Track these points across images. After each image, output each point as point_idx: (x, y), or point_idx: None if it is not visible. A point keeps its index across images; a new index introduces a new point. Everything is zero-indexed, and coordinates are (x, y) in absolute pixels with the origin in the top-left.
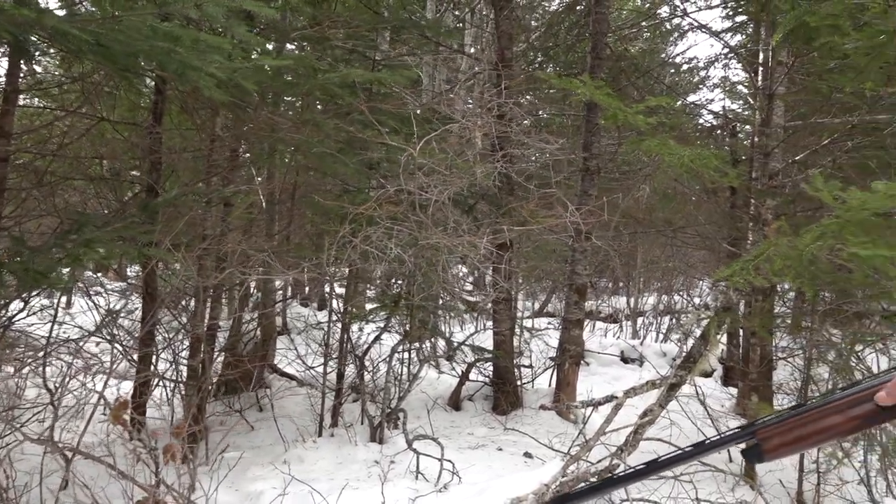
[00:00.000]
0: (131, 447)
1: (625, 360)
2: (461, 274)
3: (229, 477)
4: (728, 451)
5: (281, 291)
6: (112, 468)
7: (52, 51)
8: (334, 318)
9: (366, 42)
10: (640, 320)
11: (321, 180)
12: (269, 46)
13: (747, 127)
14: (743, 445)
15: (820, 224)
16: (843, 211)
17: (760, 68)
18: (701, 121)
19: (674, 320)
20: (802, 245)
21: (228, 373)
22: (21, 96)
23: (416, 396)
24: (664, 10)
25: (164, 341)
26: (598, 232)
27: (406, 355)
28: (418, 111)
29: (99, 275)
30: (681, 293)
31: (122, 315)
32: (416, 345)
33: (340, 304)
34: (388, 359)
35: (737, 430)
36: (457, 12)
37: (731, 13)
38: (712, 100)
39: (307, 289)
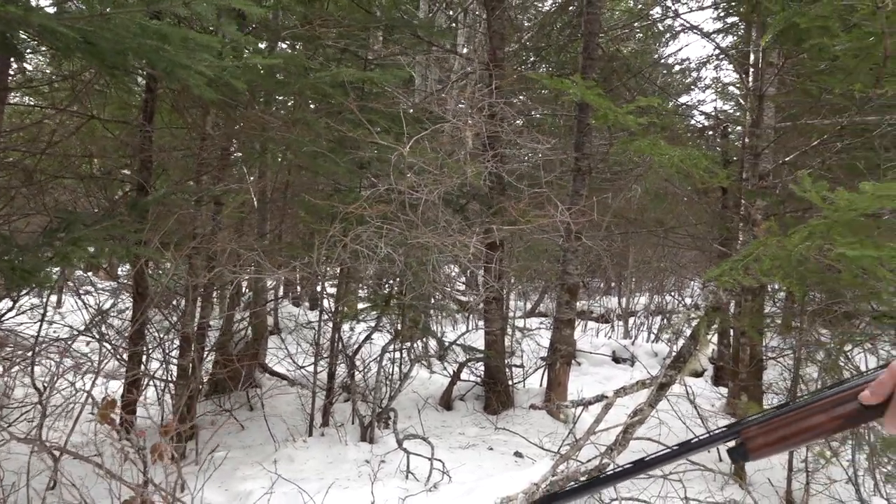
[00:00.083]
0: (119, 446)
1: (616, 360)
2: (453, 274)
3: (219, 476)
4: (718, 450)
5: (272, 291)
6: (99, 467)
7: (43, 48)
8: (325, 317)
9: (358, 41)
10: (631, 320)
11: (313, 179)
12: (262, 45)
13: (739, 128)
14: (730, 444)
15: (808, 224)
16: (830, 211)
17: (751, 69)
18: (693, 122)
19: (665, 320)
20: (791, 245)
21: (219, 372)
22: (11, 94)
23: (408, 396)
24: (656, 11)
25: (154, 340)
26: (590, 232)
27: (397, 355)
28: (411, 111)
29: (90, 274)
30: (672, 293)
31: (113, 314)
32: (408, 344)
33: (332, 304)
34: (378, 358)
35: (722, 430)
36: (450, 12)
37: (722, 14)
38: (704, 101)
39: (299, 288)
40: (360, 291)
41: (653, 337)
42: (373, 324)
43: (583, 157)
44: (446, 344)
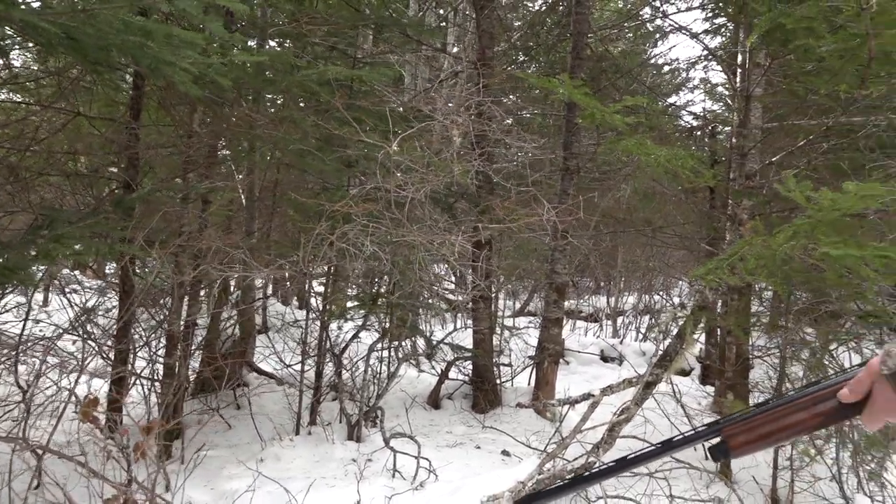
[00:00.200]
0: (102, 445)
1: (604, 359)
2: (443, 273)
3: (205, 475)
4: (703, 448)
5: (261, 289)
6: (82, 466)
7: (30, 44)
8: (313, 315)
9: (346, 40)
10: (620, 320)
11: (301, 178)
12: (252, 44)
13: (727, 128)
14: (712, 442)
15: (792, 224)
16: (815, 211)
17: (739, 70)
18: (681, 122)
19: (653, 319)
20: (776, 244)
21: (205, 370)
22: None
23: (396, 395)
24: (646, 12)
25: (140, 339)
26: (579, 231)
27: (385, 354)
28: (401, 109)
29: (76, 273)
30: (660, 293)
31: (100, 313)
32: (396, 343)
33: (319, 302)
34: (366, 357)
35: (704, 428)
36: (440, 11)
37: (710, 15)
38: (693, 101)
39: (288, 286)
40: (349, 290)
41: (641, 336)
42: (361, 322)
43: (571, 156)
44: (434, 343)
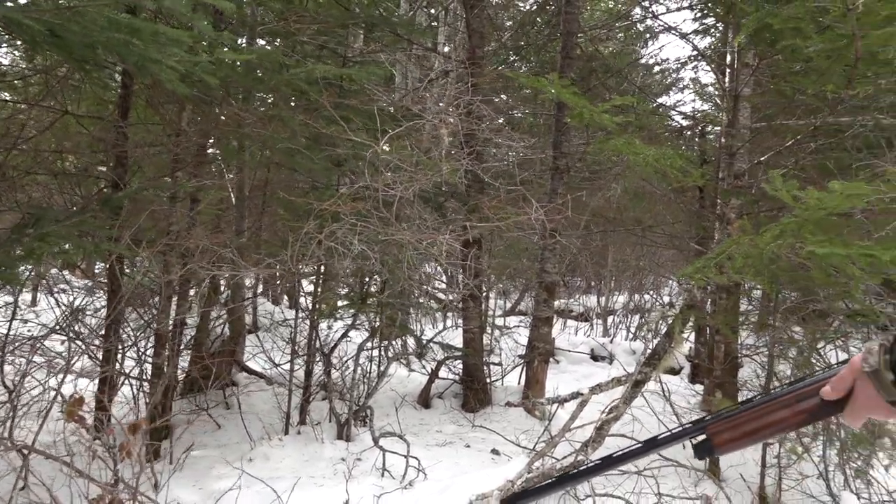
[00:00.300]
0: (87, 445)
1: (595, 358)
2: (434, 272)
3: (194, 475)
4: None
5: (252, 289)
6: (67, 465)
7: (17, 42)
8: (303, 315)
9: (336, 39)
10: (610, 319)
11: (291, 177)
12: (241, 42)
13: (718, 128)
14: (697, 439)
15: (779, 223)
16: (801, 210)
17: (727, 70)
18: (672, 122)
19: (642, 318)
20: (763, 243)
21: (194, 370)
22: None
23: (386, 394)
24: (636, 13)
25: (129, 339)
26: (569, 231)
27: (375, 353)
28: (392, 109)
29: (65, 272)
30: (650, 292)
31: (88, 313)
32: (386, 342)
33: (308, 302)
34: (355, 356)
35: (688, 426)
36: (431, 10)
37: (699, 16)
38: (684, 101)
39: (278, 285)
40: (339, 289)
41: (631, 335)
42: (350, 322)
43: (561, 155)
44: (424, 342)
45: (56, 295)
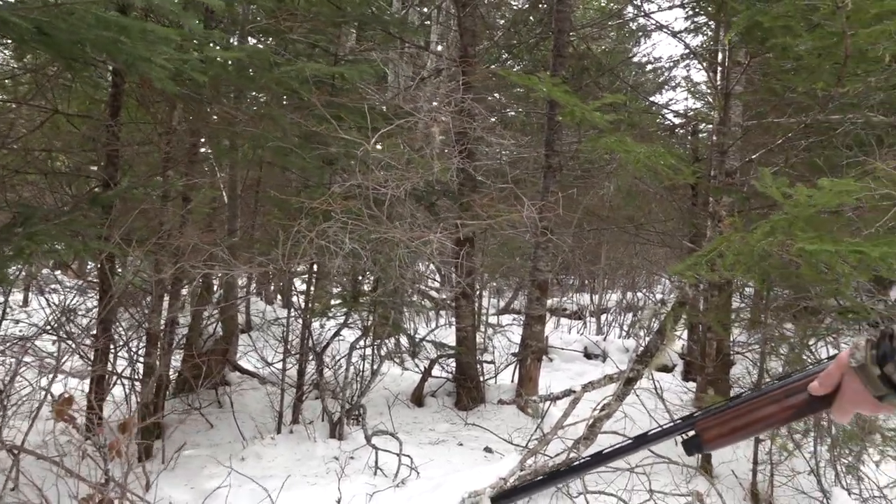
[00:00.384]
0: (78, 444)
1: (588, 355)
2: (427, 271)
3: (186, 475)
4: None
5: (245, 288)
6: (57, 465)
7: (6, 41)
8: (296, 314)
9: (328, 37)
10: (603, 317)
11: (284, 176)
12: (233, 41)
13: (709, 126)
14: (687, 436)
15: (769, 220)
16: (791, 207)
17: (719, 68)
18: (666, 120)
19: (635, 316)
20: (754, 241)
21: (187, 369)
22: None
23: (379, 393)
24: (629, 11)
25: (121, 338)
26: (562, 229)
27: (368, 351)
28: (384, 107)
29: (57, 272)
30: (643, 290)
31: (81, 313)
32: (378, 341)
33: (301, 301)
34: (347, 355)
35: (677, 422)
36: (424, 9)
37: (690, 14)
38: (677, 100)
39: (271, 284)
40: (333, 288)
41: (624, 333)
42: (343, 320)
43: (553, 154)
44: (416, 340)
45: (47, 295)
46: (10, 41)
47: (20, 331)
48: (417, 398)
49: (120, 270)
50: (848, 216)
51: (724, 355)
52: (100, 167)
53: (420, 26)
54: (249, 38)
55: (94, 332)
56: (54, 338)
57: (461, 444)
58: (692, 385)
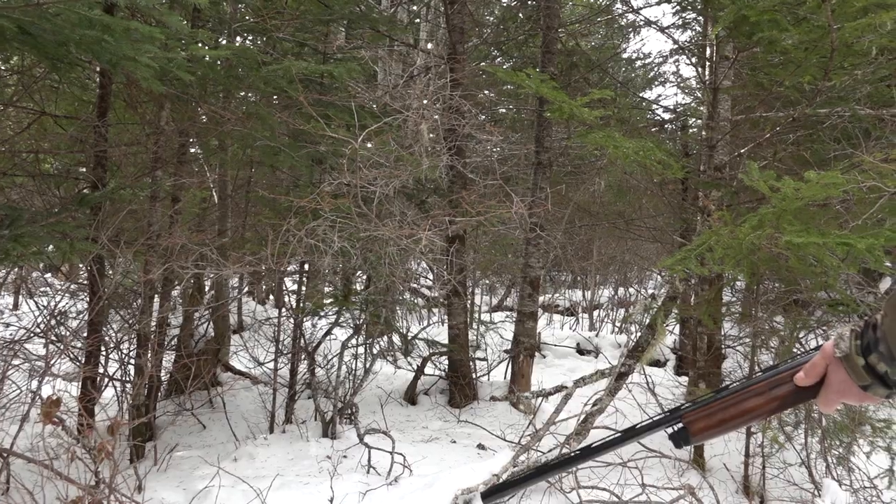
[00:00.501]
0: (67, 447)
1: (580, 351)
2: (419, 269)
3: (178, 476)
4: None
5: (236, 288)
6: (46, 467)
7: None
8: (287, 313)
9: (316, 35)
10: (596, 313)
11: (275, 175)
12: (223, 41)
13: (699, 120)
14: (675, 428)
15: (757, 213)
16: (778, 200)
17: (707, 63)
18: (657, 115)
19: (626, 311)
20: (742, 234)
21: (178, 370)
22: None
23: (373, 391)
24: (617, 8)
25: (112, 340)
26: (554, 226)
27: (361, 350)
28: (374, 105)
29: (48, 275)
30: (635, 286)
31: (72, 316)
32: (370, 339)
33: (291, 300)
34: (339, 354)
35: (665, 415)
36: (413, 7)
37: (678, 8)
38: (667, 95)
39: (262, 284)
40: (325, 287)
41: (617, 329)
42: (334, 319)
43: (543, 150)
44: (408, 338)
45: (37, 298)
46: None
47: (10, 334)
48: (410, 396)
49: (110, 272)
50: (836, 209)
51: (716, 349)
52: (88, 168)
53: (409, 24)
54: (238, 38)
55: (85, 333)
56: (45, 341)
57: (454, 442)
58: (685, 379)
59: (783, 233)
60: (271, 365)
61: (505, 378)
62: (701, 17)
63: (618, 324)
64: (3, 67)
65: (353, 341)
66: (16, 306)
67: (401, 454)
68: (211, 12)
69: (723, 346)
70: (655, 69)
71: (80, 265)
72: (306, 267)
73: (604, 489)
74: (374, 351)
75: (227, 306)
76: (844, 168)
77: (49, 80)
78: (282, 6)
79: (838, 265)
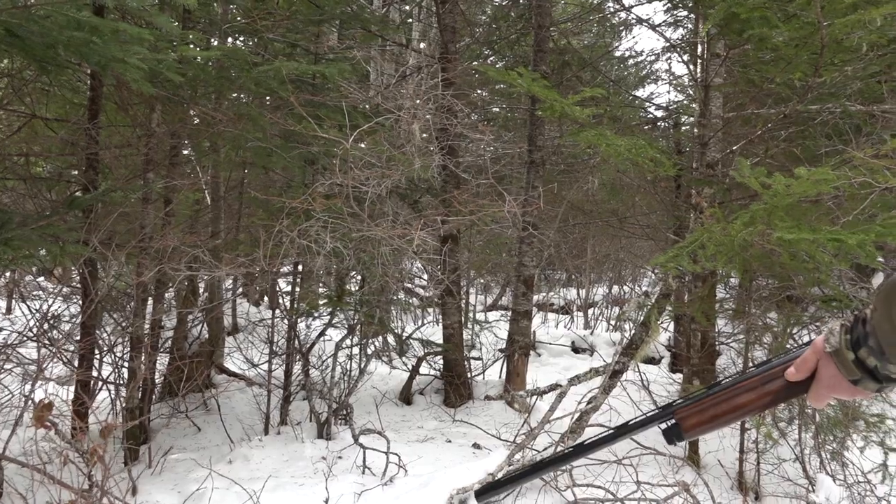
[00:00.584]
0: (60, 450)
1: (576, 350)
2: (413, 268)
3: (173, 478)
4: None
5: (230, 290)
6: (39, 472)
7: None
8: (281, 314)
9: (308, 36)
10: (591, 311)
11: (268, 176)
12: (214, 42)
13: (691, 118)
14: (667, 424)
15: (749, 209)
16: (770, 197)
17: (699, 60)
18: (649, 113)
19: (620, 309)
20: (734, 231)
21: (173, 373)
22: None
23: (368, 392)
24: (609, 5)
25: (105, 343)
26: (548, 224)
27: (355, 350)
28: (367, 106)
29: (41, 279)
30: (630, 283)
31: (65, 319)
32: (365, 340)
33: (285, 301)
34: (333, 355)
35: (657, 412)
36: (406, 7)
37: (669, 6)
38: (659, 93)
39: (255, 286)
40: (318, 288)
41: (612, 327)
42: (328, 320)
43: (536, 149)
44: (403, 338)
45: (30, 302)
46: None
47: (3, 338)
48: (406, 396)
49: (102, 274)
50: (827, 205)
51: (710, 346)
52: (80, 171)
53: (402, 24)
54: (229, 39)
55: (76, 337)
56: (40, 345)
57: (449, 441)
58: (679, 376)
59: (775, 229)
60: (266, 366)
61: (500, 377)
62: (692, 15)
63: (612, 322)
64: None
65: (348, 342)
66: (9, 310)
67: (396, 454)
68: (201, 13)
69: (717, 343)
70: (648, 67)
71: (73, 268)
72: (300, 268)
73: (599, 487)
74: (369, 351)
75: (220, 308)
76: (835, 164)
77: (40, 83)
78: (273, 7)
79: (830, 261)
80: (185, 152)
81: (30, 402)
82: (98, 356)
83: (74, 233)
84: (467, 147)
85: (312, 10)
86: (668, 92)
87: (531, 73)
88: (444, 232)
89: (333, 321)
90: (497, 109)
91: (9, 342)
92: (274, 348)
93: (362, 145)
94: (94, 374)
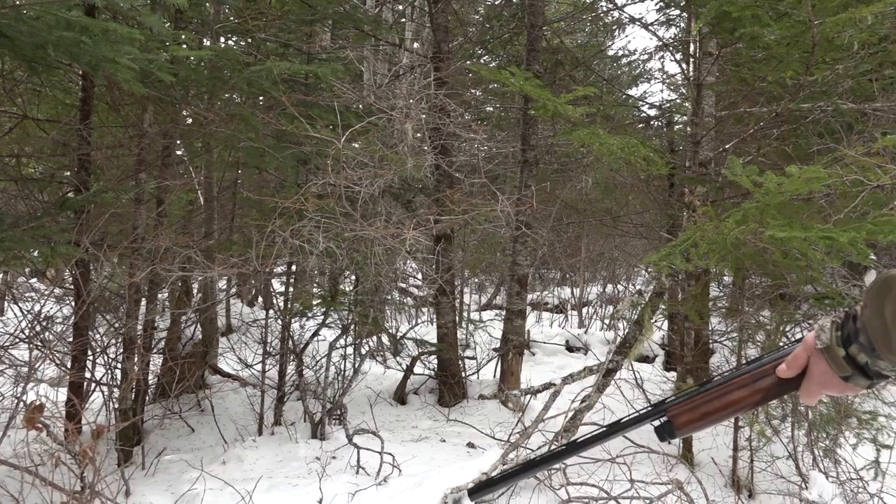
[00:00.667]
0: (52, 452)
1: (570, 349)
2: (407, 268)
3: (167, 479)
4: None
5: (224, 291)
6: (31, 474)
7: None
8: (274, 315)
9: (300, 36)
10: (585, 310)
11: (261, 177)
12: (207, 43)
13: (684, 117)
14: (659, 422)
15: (741, 208)
16: (761, 195)
17: (691, 59)
18: (639, 112)
19: (613, 308)
20: (727, 230)
21: (166, 374)
22: None
23: (362, 392)
24: (602, 4)
25: (98, 345)
26: (541, 223)
27: (349, 350)
28: (360, 105)
29: (33, 280)
30: (624, 282)
31: (59, 321)
32: (359, 340)
33: (279, 301)
34: (327, 355)
35: (649, 409)
36: (399, 7)
37: (661, 5)
38: (652, 92)
39: (250, 287)
40: (312, 288)
41: (606, 325)
42: (321, 320)
43: (529, 148)
44: (396, 338)
45: (22, 303)
46: None
47: None
48: (400, 396)
49: (94, 275)
50: (819, 203)
51: (703, 344)
52: (72, 172)
53: (395, 24)
54: (221, 40)
55: (65, 337)
56: (33, 347)
57: (444, 441)
58: (673, 375)
59: (767, 227)
60: (259, 367)
61: (494, 376)
62: (684, 14)
63: (606, 320)
64: None
65: (342, 342)
66: (1, 312)
67: (390, 454)
68: (193, 14)
69: (710, 341)
70: (641, 66)
71: (66, 269)
72: (293, 268)
73: (593, 485)
74: (363, 351)
75: (214, 308)
76: (827, 162)
77: (31, 84)
78: (265, 6)
79: (822, 259)
80: (178, 153)
81: (20, 403)
82: (91, 357)
83: (66, 234)
84: (460, 146)
85: (305, 9)
86: (661, 91)
87: (524, 72)
88: (437, 231)
89: (327, 321)
90: (490, 109)
91: (1, 344)
92: (268, 348)
93: (355, 145)
94: (87, 375)
